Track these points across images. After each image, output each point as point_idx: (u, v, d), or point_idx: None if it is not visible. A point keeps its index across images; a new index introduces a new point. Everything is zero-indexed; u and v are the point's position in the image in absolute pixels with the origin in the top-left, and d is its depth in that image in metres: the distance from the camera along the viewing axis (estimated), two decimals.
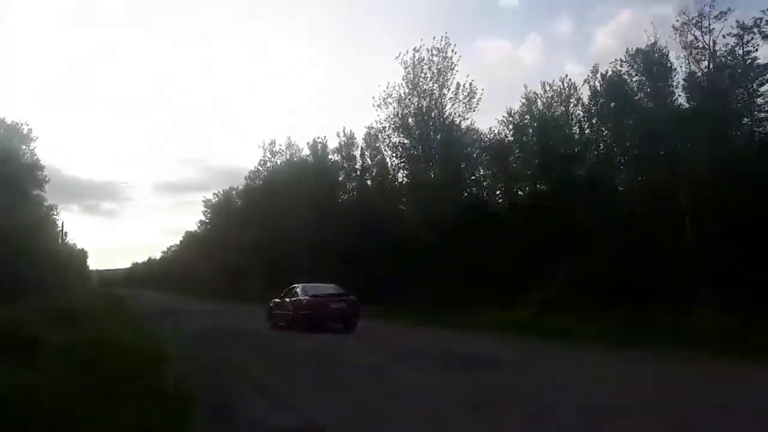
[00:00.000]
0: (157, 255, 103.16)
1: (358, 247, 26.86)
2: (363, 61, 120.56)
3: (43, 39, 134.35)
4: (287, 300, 17.11)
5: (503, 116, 24.17)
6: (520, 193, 24.13)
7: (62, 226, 45.45)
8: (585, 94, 22.45)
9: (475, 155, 25.30)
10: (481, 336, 13.87)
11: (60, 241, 45.18)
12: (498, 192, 24.87)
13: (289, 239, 32.99)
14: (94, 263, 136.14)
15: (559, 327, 13.17)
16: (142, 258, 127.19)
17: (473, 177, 25.21)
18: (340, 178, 32.66)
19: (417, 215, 23.85)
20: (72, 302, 23.01)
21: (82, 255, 76.15)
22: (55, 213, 43.74)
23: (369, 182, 31.73)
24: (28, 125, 33.09)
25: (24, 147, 32.68)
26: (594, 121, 22.15)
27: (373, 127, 26.51)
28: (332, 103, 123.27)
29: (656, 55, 20.56)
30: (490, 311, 16.41)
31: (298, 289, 16.86)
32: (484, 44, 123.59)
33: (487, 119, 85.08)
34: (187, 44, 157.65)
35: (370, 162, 31.77)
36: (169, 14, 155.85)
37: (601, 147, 22.13)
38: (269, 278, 35.05)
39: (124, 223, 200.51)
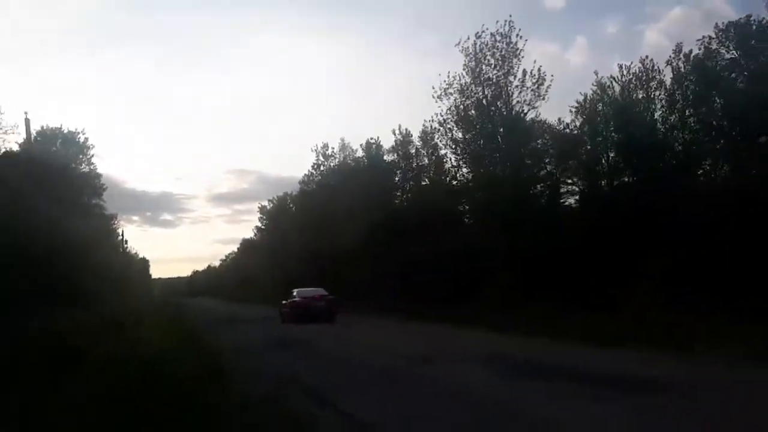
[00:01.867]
0: (216, 263, 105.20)
1: (418, 253, 25.53)
2: (412, 63, 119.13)
3: (101, 56, 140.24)
4: (287, 300, 22.70)
5: (574, 104, 22.06)
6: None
7: (122, 235, 46.35)
8: (668, 76, 20.26)
9: (541, 147, 23.30)
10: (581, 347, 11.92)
11: (121, 249, 46.01)
12: (571, 184, 22.72)
13: (344, 244, 31.85)
14: (156, 272, 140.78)
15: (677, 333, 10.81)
16: (201, 266, 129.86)
17: (543, 171, 23.15)
18: (396, 179, 31.29)
19: (481, 214, 22.16)
20: (128, 309, 22.66)
21: (144, 264, 78.18)
22: (114, 222, 44.55)
23: (426, 181, 30.28)
24: (84, 134, 33.37)
25: (81, 156, 32.99)
26: (679, 106, 19.91)
27: (432, 119, 24.66)
28: (387, 103, 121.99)
29: (754, 27, 18.24)
30: (573, 315, 14.49)
31: (294, 293, 22.52)
32: (529, 47, 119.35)
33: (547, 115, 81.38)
34: (234, 54, 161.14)
35: (427, 161, 30.27)
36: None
37: (686, 133, 19.92)
38: (326, 284, 34.07)
39: (184, 234, 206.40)
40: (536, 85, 21.21)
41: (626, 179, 20.97)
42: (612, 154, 21.10)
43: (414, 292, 25.53)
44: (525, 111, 21.76)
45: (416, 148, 30.13)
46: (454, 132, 23.18)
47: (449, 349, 11.56)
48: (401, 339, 14.52)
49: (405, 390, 7.70)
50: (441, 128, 23.45)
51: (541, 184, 23.27)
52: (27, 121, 19.82)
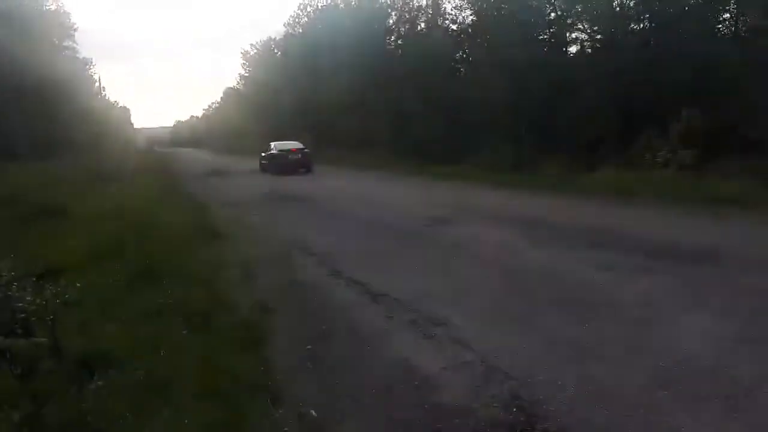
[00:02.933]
0: (199, 113, 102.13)
1: (411, 103, 24.47)
2: None
3: None
4: (265, 153, 24.26)
5: None
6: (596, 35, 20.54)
7: (99, 80, 43.79)
8: None
9: None
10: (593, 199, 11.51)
11: (99, 96, 43.81)
12: (582, 32, 21.08)
13: (334, 94, 30.38)
14: (138, 122, 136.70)
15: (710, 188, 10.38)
16: (184, 116, 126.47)
17: (549, 16, 21.30)
18: (390, 22, 28.95)
19: (483, 61, 20.76)
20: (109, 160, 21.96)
21: (125, 113, 75.46)
22: (89, 67, 41.72)
23: (422, 26, 28.12)
24: None
25: None
26: None
27: None
28: None
29: None
30: (579, 172, 14.11)
31: (271, 145, 23.97)
32: None
33: None
34: None
35: (424, 2, 27.88)
36: None
37: None
38: (315, 136, 33.25)
39: (167, 81, 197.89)
40: None
41: (641, 25, 19.54)
42: None
43: (409, 145, 24.93)
44: None
45: None
46: None
47: (467, 210, 10.44)
48: (411, 196, 13.33)
49: (433, 255, 7.07)
50: None
51: (552, 29, 21.59)
52: None
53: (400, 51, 28.63)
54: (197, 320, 4.39)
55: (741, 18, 17.78)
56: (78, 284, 5.13)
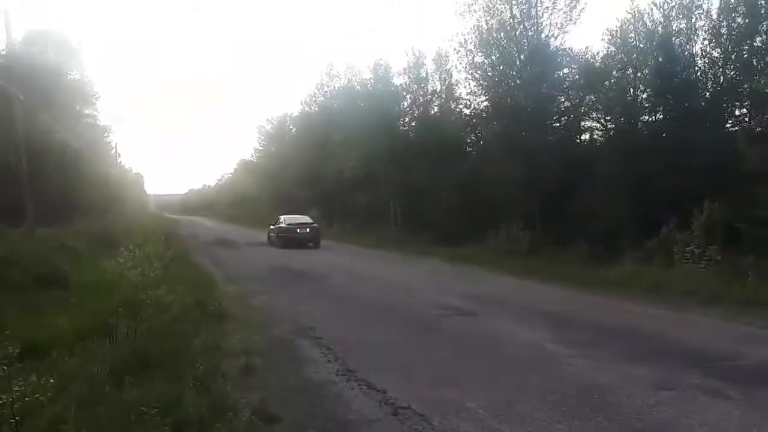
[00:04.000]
0: (212, 183, 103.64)
1: (423, 180, 24.47)
2: None
3: None
4: (274, 226, 24.08)
5: (606, 32, 20.15)
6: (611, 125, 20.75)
7: (116, 147, 44.52)
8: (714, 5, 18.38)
9: (565, 77, 21.60)
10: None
11: (115, 163, 44.39)
12: (594, 121, 21.29)
13: (345, 170, 30.56)
14: (151, 188, 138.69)
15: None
16: (197, 185, 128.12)
17: (566, 103, 21.59)
18: (404, 104, 29.52)
19: (497, 146, 20.79)
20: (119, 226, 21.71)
21: (138, 179, 76.54)
22: (107, 135, 42.55)
23: (436, 109, 28.66)
24: (77, 38, 30.94)
25: (72, 61, 30.59)
26: (723, 39, 18.15)
27: (452, 39, 22.66)
28: (397, 23, 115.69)
29: None
30: (597, 265, 13.54)
31: (280, 219, 23.94)
32: None
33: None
34: None
35: (439, 86, 28.55)
36: None
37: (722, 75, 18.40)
38: (324, 210, 33.22)
39: (182, 150, 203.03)
40: (569, 8, 19.27)
41: (654, 117, 19.75)
42: (643, 89, 19.72)
43: (418, 223, 24.67)
44: (555, 35, 19.94)
45: (427, 72, 28.36)
46: (475, 55, 21.26)
47: (486, 301, 9.83)
48: (424, 281, 12.82)
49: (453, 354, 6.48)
50: (461, 49, 21.47)
51: (565, 117, 21.87)
52: (6, 16, 17.47)
53: (411, 134, 29.02)
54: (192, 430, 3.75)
55: (755, 117, 17.93)
56: (57, 372, 4.55)
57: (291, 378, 5.39)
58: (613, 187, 17.60)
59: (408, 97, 29.22)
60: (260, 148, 54.92)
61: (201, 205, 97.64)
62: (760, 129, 17.23)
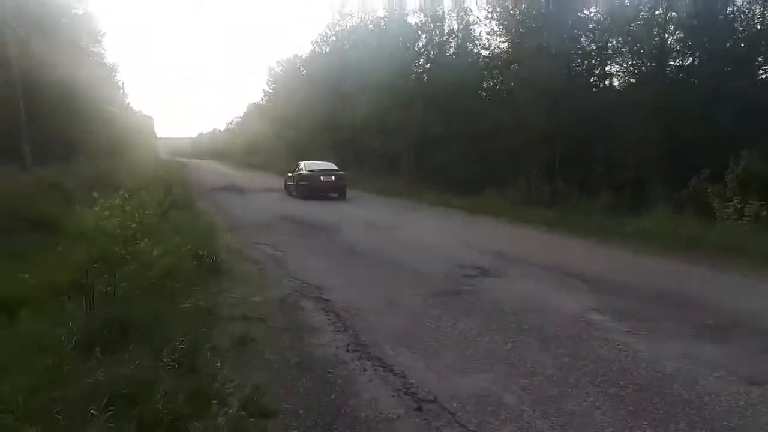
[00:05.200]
0: (222, 126, 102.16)
1: (438, 127, 23.33)
2: None
3: None
4: (293, 174, 21.21)
5: None
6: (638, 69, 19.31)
7: (123, 87, 43.27)
8: None
9: (589, 16, 20.11)
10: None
11: (123, 102, 43.21)
12: (619, 65, 19.90)
13: (358, 114, 29.29)
14: (161, 131, 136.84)
15: None
16: (207, 128, 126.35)
17: (590, 47, 20.10)
18: (420, 44, 27.90)
19: (518, 90, 19.52)
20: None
21: (148, 121, 75.26)
22: (115, 74, 41.15)
23: (452, 49, 27.08)
24: None
25: None
26: None
27: None
28: None
29: None
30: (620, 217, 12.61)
31: (300, 165, 21.13)
32: None
33: None
34: None
35: (456, 25, 26.93)
36: None
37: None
38: (339, 158, 32.13)
39: (191, 93, 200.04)
40: None
41: (683, 61, 18.43)
42: (672, 29, 18.28)
43: (432, 170, 23.68)
44: None
45: (444, 10, 26.70)
46: None
47: (509, 258, 8.81)
48: (440, 234, 11.80)
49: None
50: None
51: (589, 60, 20.46)
52: None
53: (425, 77, 27.59)
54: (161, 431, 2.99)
55: None
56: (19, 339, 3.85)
57: (292, 353, 4.61)
58: (639, 135, 16.48)
59: (423, 36, 27.59)
60: (270, 91, 53.35)
61: (212, 149, 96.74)
62: None
